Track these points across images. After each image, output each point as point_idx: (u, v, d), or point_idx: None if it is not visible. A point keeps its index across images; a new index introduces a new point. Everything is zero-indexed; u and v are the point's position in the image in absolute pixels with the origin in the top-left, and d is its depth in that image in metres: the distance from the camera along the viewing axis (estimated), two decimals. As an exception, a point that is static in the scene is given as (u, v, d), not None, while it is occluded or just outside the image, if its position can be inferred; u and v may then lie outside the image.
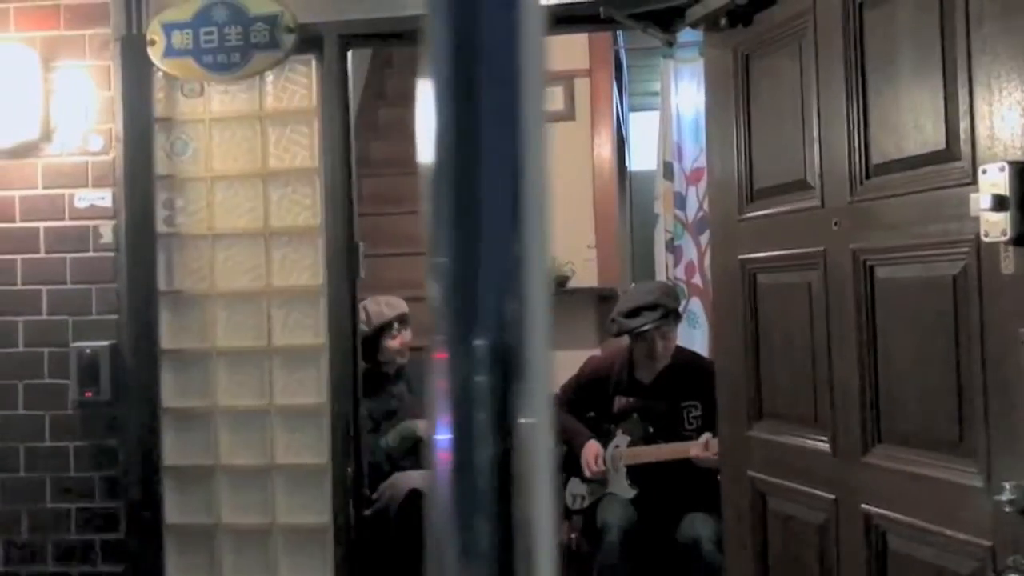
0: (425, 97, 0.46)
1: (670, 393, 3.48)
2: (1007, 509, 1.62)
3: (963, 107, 1.74)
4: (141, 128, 2.91)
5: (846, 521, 2.08)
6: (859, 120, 2.01)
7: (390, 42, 2.99)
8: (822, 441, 2.15)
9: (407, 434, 3.72)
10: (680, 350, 3.59)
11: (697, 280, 5.55)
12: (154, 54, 2.85)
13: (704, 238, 5.57)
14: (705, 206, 5.55)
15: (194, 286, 2.92)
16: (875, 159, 1.98)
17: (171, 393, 2.93)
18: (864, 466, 2.01)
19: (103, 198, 2.92)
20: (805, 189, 2.19)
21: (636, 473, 3.42)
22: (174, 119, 2.94)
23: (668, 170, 5.63)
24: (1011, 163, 1.59)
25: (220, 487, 2.90)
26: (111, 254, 2.91)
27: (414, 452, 3.73)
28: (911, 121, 1.88)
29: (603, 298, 5.28)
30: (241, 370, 2.91)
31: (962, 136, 1.74)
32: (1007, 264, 1.65)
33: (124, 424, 2.88)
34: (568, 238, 5.31)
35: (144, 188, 2.91)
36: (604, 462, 3.43)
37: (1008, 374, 1.64)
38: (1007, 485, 1.62)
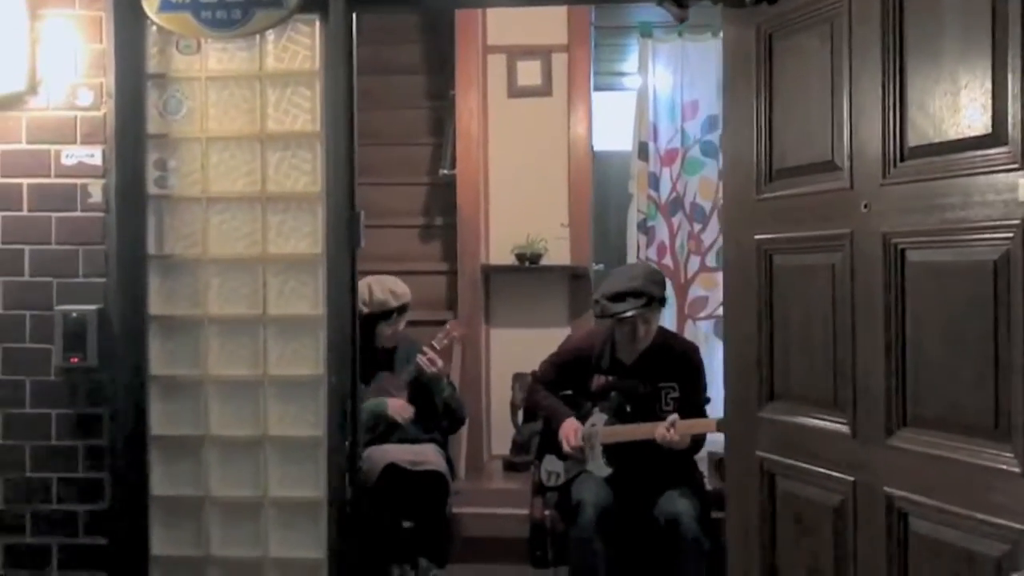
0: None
1: (650, 374, 3.46)
2: (1044, 494, 1.63)
3: (1012, 91, 1.73)
4: (133, 84, 2.79)
5: (865, 503, 2.08)
6: (895, 102, 1.99)
7: (398, 7, 2.90)
8: (841, 423, 2.15)
9: (377, 410, 3.65)
10: (662, 332, 3.57)
11: (668, 261, 5.55)
12: (149, 7, 2.73)
13: (676, 219, 5.57)
14: (678, 187, 5.55)
15: (185, 251, 2.82)
16: (911, 142, 1.96)
17: (160, 361, 2.82)
18: (888, 449, 2.02)
19: (92, 155, 2.78)
20: (832, 170, 2.17)
21: (612, 452, 3.40)
22: (168, 76, 2.81)
23: (643, 150, 5.59)
24: (1065, 149, 1.59)
25: (209, 458, 2.81)
26: (100, 214, 2.78)
27: (375, 429, 3.66)
28: (951, 104, 1.87)
29: (575, 276, 5.26)
30: (234, 339, 2.81)
31: (1010, 121, 1.73)
32: (1053, 250, 1.65)
33: (110, 392, 2.77)
34: (542, 215, 5.26)
35: (135, 147, 2.78)
36: (581, 439, 3.40)
37: (1050, 360, 1.64)
38: (1044, 470, 1.63)
